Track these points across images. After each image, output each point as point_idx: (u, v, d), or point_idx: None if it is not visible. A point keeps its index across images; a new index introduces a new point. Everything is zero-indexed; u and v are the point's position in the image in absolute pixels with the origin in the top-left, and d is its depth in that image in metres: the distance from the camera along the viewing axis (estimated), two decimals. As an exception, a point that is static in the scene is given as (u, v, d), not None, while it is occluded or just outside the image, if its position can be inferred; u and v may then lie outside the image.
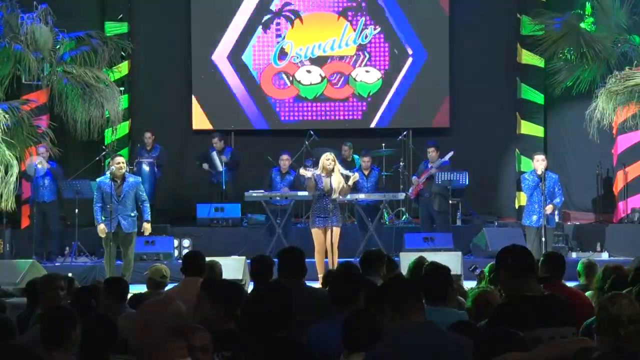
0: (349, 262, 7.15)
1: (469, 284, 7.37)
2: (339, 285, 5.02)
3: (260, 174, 14.40)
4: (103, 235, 11.14)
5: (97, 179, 11.54)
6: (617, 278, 6.02)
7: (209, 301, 4.31)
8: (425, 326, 3.98)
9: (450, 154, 13.80)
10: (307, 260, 6.31)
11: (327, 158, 11.41)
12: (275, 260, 6.27)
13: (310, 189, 11.46)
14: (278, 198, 13.58)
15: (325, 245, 11.32)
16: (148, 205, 11.46)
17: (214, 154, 14.96)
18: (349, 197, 12.80)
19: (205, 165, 14.92)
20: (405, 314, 3.95)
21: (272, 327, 4.23)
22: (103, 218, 11.15)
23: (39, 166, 13.22)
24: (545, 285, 5.00)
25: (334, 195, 11.37)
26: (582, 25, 14.22)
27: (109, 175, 11.17)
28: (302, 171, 12.15)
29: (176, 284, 7.24)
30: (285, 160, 13.94)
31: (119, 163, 11.11)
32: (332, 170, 11.34)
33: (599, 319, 3.81)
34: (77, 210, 13.34)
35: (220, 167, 14.87)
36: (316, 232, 11.36)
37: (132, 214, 11.24)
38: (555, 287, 5.88)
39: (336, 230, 11.39)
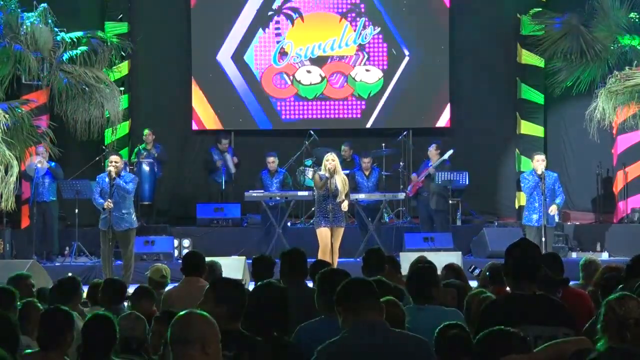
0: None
1: (471, 284, 7.36)
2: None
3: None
4: (112, 206, 10.98)
5: (97, 177, 11.52)
6: (611, 278, 6.01)
7: (213, 300, 4.33)
8: (376, 326, 3.98)
9: (450, 152, 13.83)
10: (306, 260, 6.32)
11: (327, 159, 11.40)
12: (277, 260, 6.28)
13: (321, 188, 11.39)
14: (278, 198, 13.59)
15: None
16: (131, 188, 11.27)
17: (227, 156, 14.91)
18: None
19: (219, 162, 14.82)
20: (357, 314, 3.95)
21: (267, 327, 4.23)
22: (104, 207, 11.05)
23: (39, 166, 13.23)
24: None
25: (339, 199, 11.34)
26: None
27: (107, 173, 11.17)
28: (312, 174, 12.16)
29: (176, 284, 7.24)
30: (271, 163, 13.98)
31: (112, 162, 11.08)
32: (334, 170, 11.31)
33: (605, 321, 3.79)
34: (77, 210, 13.35)
35: (233, 170, 14.88)
36: (322, 232, 11.33)
37: (125, 212, 11.17)
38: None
39: (340, 231, 11.40)
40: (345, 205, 11.50)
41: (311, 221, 13.20)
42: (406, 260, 10.04)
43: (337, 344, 3.95)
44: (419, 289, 5.14)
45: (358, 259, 11.68)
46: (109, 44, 13.90)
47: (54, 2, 13.78)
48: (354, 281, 4.18)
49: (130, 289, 8.10)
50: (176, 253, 13.44)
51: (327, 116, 16.31)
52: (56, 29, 13.56)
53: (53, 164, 13.50)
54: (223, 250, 12.83)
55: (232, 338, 4.04)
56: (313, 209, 12.76)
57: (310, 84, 16.29)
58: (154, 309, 6.23)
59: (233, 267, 11.54)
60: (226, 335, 4.08)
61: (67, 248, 13.74)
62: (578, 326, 4.42)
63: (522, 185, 12.23)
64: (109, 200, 10.89)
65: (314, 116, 16.29)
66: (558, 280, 5.91)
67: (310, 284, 6.25)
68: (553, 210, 11.61)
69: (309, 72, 16.29)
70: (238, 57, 16.23)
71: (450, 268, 7.01)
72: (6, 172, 11.90)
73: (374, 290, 4.05)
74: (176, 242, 13.61)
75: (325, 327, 4.46)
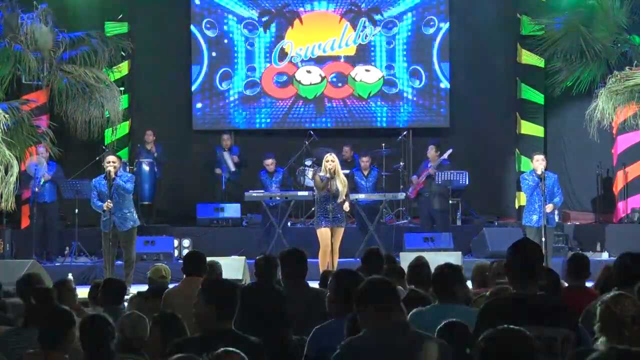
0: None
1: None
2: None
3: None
4: (112, 206, 10.85)
5: (93, 179, 11.43)
6: (611, 277, 6.02)
7: (203, 300, 4.34)
8: (400, 326, 4.00)
9: (449, 151, 13.83)
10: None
11: (327, 159, 11.38)
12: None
13: (322, 189, 11.36)
14: (278, 198, 13.59)
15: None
16: (130, 187, 11.10)
17: (225, 155, 14.93)
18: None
19: (218, 170, 14.91)
20: (381, 314, 3.97)
21: (262, 326, 4.23)
22: (104, 209, 10.96)
23: (40, 166, 13.26)
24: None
25: (339, 199, 11.32)
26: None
27: (104, 174, 11.10)
28: (312, 175, 12.17)
29: (177, 284, 7.25)
30: (269, 165, 14.01)
31: (109, 162, 11.02)
32: (334, 171, 11.30)
33: (602, 320, 3.79)
34: (77, 210, 13.35)
35: (232, 168, 14.89)
36: (322, 232, 11.31)
37: (126, 211, 11.06)
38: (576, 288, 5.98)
39: (341, 231, 11.39)
40: (347, 206, 11.52)
41: (311, 221, 13.21)
42: (406, 260, 10.03)
43: (361, 341, 3.95)
44: (444, 288, 5.15)
45: (358, 259, 11.67)
46: (109, 44, 13.88)
47: (54, 2, 13.77)
48: (376, 281, 4.18)
49: (132, 289, 8.11)
50: (176, 253, 13.44)
51: (327, 116, 16.32)
52: (56, 29, 13.54)
53: (53, 166, 13.52)
54: (223, 250, 12.83)
55: (222, 338, 4.04)
56: (313, 209, 12.75)
57: (310, 84, 16.30)
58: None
59: (233, 267, 11.54)
60: (216, 335, 4.09)
61: (67, 248, 13.74)
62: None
63: (522, 185, 12.20)
64: (109, 200, 10.84)
65: (314, 116, 16.29)
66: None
67: (312, 284, 6.26)
68: (549, 207, 11.58)
69: (309, 72, 16.30)
70: (238, 55, 16.24)
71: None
72: (6, 172, 11.88)
73: (396, 290, 4.07)
74: (176, 242, 13.61)
75: (341, 327, 4.46)
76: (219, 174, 14.93)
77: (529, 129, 15.89)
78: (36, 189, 13.30)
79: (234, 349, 3.66)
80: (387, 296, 4.02)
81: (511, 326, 3.45)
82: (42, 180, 13.30)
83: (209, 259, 7.28)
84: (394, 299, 4.04)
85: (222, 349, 3.65)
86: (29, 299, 5.69)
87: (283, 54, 16.25)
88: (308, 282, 6.20)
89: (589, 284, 6.70)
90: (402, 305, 4.08)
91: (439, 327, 4.35)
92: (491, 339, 3.43)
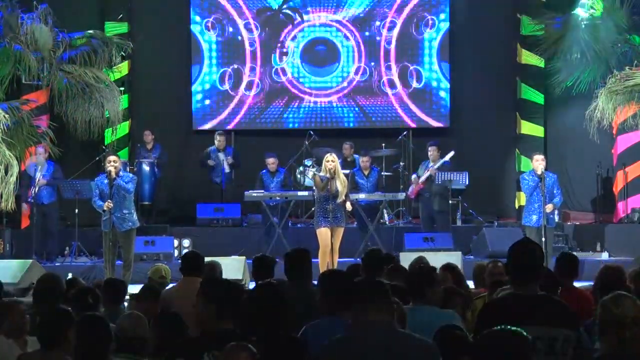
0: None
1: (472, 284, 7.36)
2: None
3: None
4: (112, 206, 10.85)
5: (95, 179, 11.43)
6: (610, 278, 5.99)
7: (203, 300, 4.34)
8: (383, 326, 4.00)
9: (451, 153, 13.81)
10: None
11: (327, 159, 11.38)
12: (277, 259, 6.29)
13: (322, 189, 11.35)
14: (278, 198, 13.58)
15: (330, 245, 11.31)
16: (131, 188, 11.04)
17: (221, 156, 14.92)
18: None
19: (211, 162, 14.83)
20: (366, 314, 3.97)
21: (262, 326, 4.24)
22: (104, 209, 10.93)
23: (38, 167, 13.27)
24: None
25: (339, 199, 11.31)
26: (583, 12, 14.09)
27: (106, 174, 11.09)
28: (312, 175, 12.17)
29: (175, 284, 7.25)
30: (271, 164, 14.00)
31: (110, 162, 11.01)
32: (334, 171, 11.29)
33: (602, 320, 3.77)
34: (77, 210, 13.35)
35: (227, 169, 14.86)
36: (322, 232, 11.31)
37: (126, 212, 11.01)
38: (564, 288, 5.97)
39: (340, 230, 11.39)
40: (349, 205, 11.52)
41: (311, 221, 13.21)
42: (406, 260, 10.03)
43: (342, 341, 4.00)
44: (415, 289, 5.17)
45: (358, 259, 11.67)
46: (109, 44, 13.87)
47: (54, 2, 13.77)
48: (364, 282, 4.19)
49: (130, 288, 8.10)
50: (176, 253, 13.43)
51: (327, 116, 16.32)
52: (56, 29, 13.54)
53: (52, 166, 13.50)
54: (223, 250, 12.82)
55: (222, 337, 4.04)
56: (313, 209, 12.75)
57: (311, 84, 16.30)
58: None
59: (233, 267, 11.53)
60: (215, 335, 4.09)
61: (67, 248, 13.74)
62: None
63: (521, 185, 12.20)
64: (109, 200, 10.83)
65: (314, 116, 16.29)
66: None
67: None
68: (549, 208, 11.58)
69: (309, 72, 16.29)
70: (238, 56, 16.24)
71: (447, 268, 7.01)
72: (6, 172, 11.87)
73: (385, 290, 4.07)
74: (176, 242, 13.61)
75: (329, 326, 4.47)
76: (212, 165, 14.79)
77: (529, 129, 15.89)
78: (34, 191, 13.29)
79: (244, 343, 3.66)
80: (369, 297, 4.03)
81: (508, 326, 3.45)
82: (36, 186, 13.28)
83: (208, 259, 7.27)
84: (378, 300, 4.03)
85: (232, 343, 3.65)
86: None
87: (283, 54, 16.25)
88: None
89: (587, 284, 6.70)
90: (390, 306, 4.08)
91: (435, 331, 4.34)
92: (487, 338, 3.43)
